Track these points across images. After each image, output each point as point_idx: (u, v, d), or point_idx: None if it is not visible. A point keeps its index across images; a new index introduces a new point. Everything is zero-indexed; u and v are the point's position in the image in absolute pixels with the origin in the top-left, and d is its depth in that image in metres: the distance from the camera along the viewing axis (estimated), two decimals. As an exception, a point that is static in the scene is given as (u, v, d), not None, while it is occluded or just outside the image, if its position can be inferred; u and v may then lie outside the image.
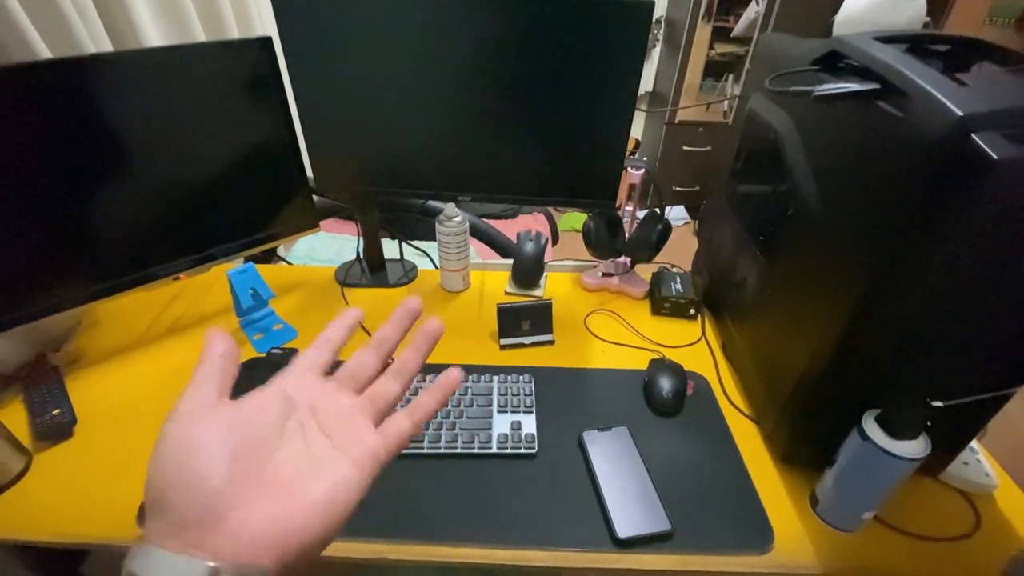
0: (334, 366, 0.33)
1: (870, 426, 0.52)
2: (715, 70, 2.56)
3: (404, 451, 0.31)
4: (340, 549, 0.55)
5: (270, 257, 1.25)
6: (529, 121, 0.81)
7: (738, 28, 2.39)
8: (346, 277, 1.01)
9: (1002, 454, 0.67)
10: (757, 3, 2.27)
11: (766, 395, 0.70)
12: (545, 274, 1.02)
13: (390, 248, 1.06)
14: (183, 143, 0.77)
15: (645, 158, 3.02)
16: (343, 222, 1.68)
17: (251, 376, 0.84)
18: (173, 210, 0.80)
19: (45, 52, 0.77)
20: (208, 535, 0.23)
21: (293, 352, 0.82)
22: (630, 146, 2.59)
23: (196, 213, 0.82)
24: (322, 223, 0.97)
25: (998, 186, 0.39)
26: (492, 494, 0.62)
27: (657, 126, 2.78)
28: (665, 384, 0.73)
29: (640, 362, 0.80)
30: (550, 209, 2.09)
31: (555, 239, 2.00)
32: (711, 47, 2.46)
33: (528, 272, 0.97)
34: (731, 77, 2.58)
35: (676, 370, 0.76)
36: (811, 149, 0.60)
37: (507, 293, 1.00)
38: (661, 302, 0.92)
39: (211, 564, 0.22)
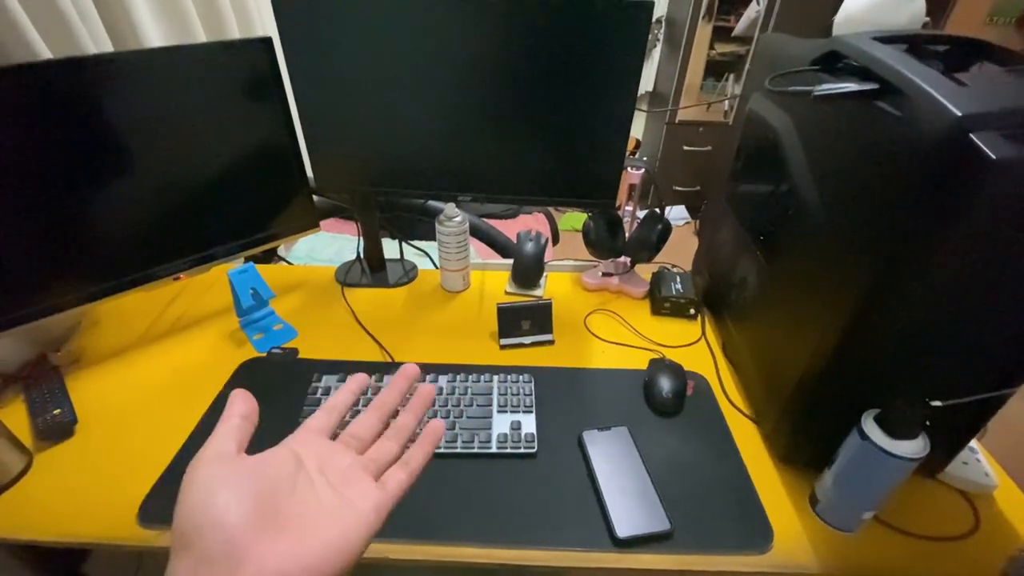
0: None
1: (869, 426, 0.52)
2: (716, 70, 2.56)
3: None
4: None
5: (270, 257, 1.25)
6: (529, 121, 0.81)
7: (739, 28, 2.39)
8: (346, 277, 1.01)
9: (1001, 454, 0.67)
10: (757, 3, 2.27)
11: (766, 395, 0.70)
12: (545, 274, 1.02)
13: (390, 248, 1.06)
14: (183, 143, 0.77)
15: (645, 158, 3.02)
16: (343, 222, 1.68)
17: (252, 376, 0.84)
18: (173, 210, 0.80)
19: (45, 52, 0.77)
20: (233, 571, 0.24)
21: (293, 352, 0.83)
22: (630, 146, 2.59)
23: (196, 213, 0.82)
24: (322, 223, 0.97)
25: (997, 186, 0.39)
26: (492, 494, 0.62)
27: (658, 126, 2.78)
28: (665, 384, 0.74)
29: (640, 362, 0.80)
30: (550, 209, 2.09)
31: (555, 239, 2.00)
32: (712, 47, 2.46)
33: (528, 272, 0.98)
34: (732, 77, 2.58)
35: (676, 370, 0.76)
36: (811, 149, 0.60)
37: (507, 293, 1.00)
38: (661, 302, 0.92)
39: None
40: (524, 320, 0.85)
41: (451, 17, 0.73)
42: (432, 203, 1.31)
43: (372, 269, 1.04)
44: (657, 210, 0.93)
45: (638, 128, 3.11)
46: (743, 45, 2.46)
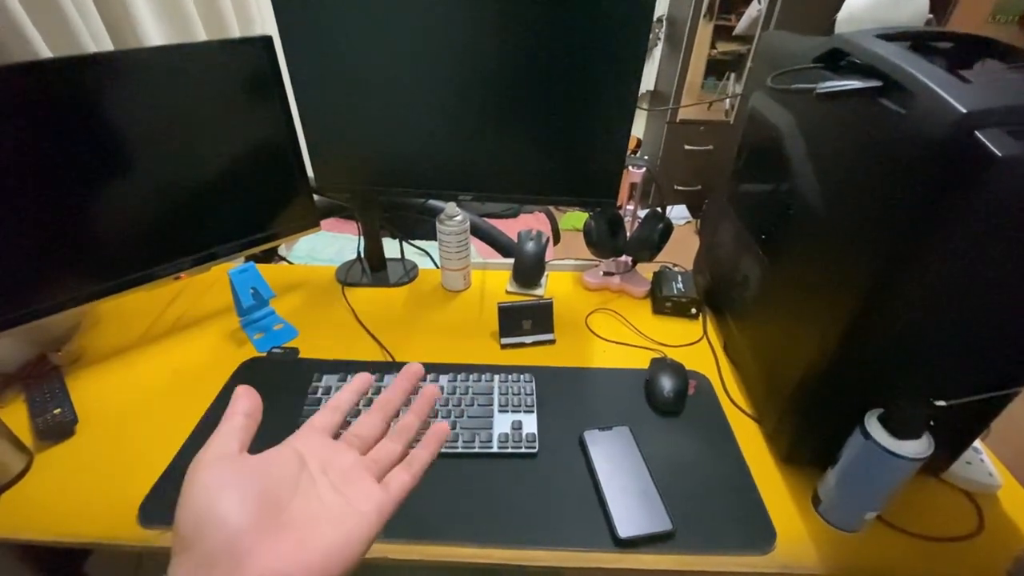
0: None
1: (873, 425, 0.52)
2: (717, 69, 2.55)
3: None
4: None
5: (271, 257, 1.25)
6: (530, 120, 0.81)
7: (740, 27, 2.38)
8: (347, 276, 1.01)
9: (1005, 454, 0.67)
10: (759, 1, 2.26)
11: (768, 394, 0.70)
12: (546, 273, 1.02)
13: (391, 247, 1.06)
14: (183, 142, 0.77)
15: (646, 157, 3.01)
16: (344, 221, 1.68)
17: (252, 376, 0.84)
18: (174, 209, 0.80)
19: (45, 51, 0.77)
20: (234, 572, 0.24)
21: (294, 351, 0.83)
22: (631, 145, 2.59)
23: (197, 212, 0.82)
24: (323, 223, 0.97)
25: (1002, 183, 0.39)
26: (493, 494, 0.62)
27: (658, 125, 2.77)
28: (666, 383, 0.73)
29: (641, 361, 0.80)
30: (551, 208, 2.09)
31: (556, 238, 2.00)
32: (713, 46, 2.46)
33: (529, 271, 0.97)
34: (733, 76, 2.57)
35: (677, 369, 0.76)
36: (813, 147, 0.60)
37: (508, 292, 0.99)
38: (662, 301, 0.92)
39: None
40: (525, 319, 0.85)
41: (452, 15, 0.73)
42: (433, 202, 1.31)
43: (373, 268, 1.04)
44: (658, 209, 0.93)
45: (639, 127, 3.11)
46: (744, 44, 2.46)
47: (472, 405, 0.72)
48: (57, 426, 0.68)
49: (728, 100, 2.60)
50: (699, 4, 2.31)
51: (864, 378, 0.54)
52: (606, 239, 0.93)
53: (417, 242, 1.15)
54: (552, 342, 0.86)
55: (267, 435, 0.33)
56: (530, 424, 0.69)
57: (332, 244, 1.49)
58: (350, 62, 0.78)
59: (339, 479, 0.31)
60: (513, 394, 0.73)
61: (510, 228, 1.66)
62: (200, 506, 0.26)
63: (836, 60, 0.57)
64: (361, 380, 0.37)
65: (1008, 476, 0.65)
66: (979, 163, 0.38)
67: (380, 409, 0.36)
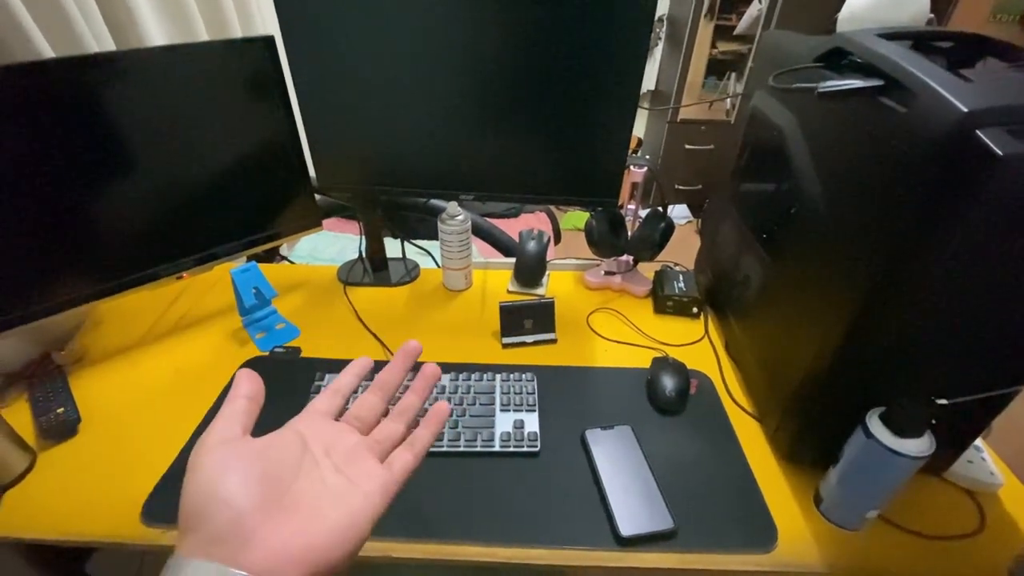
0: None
1: (874, 424, 0.52)
2: (717, 68, 2.55)
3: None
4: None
5: (272, 256, 1.26)
6: (531, 120, 0.81)
7: (740, 26, 2.38)
8: (348, 276, 1.01)
9: (1007, 452, 0.67)
10: (759, 1, 2.26)
11: (770, 393, 0.70)
12: (547, 273, 1.02)
13: (392, 247, 1.06)
14: (186, 142, 0.77)
15: (647, 156, 3.02)
16: (345, 221, 1.68)
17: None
18: (176, 209, 0.80)
19: (48, 51, 0.77)
20: (240, 551, 0.24)
21: (296, 351, 0.83)
22: (632, 144, 2.59)
23: (199, 212, 0.82)
24: (324, 222, 0.97)
25: (1003, 182, 0.39)
26: (495, 492, 0.62)
27: (659, 125, 2.77)
28: (668, 382, 0.73)
29: (643, 360, 0.80)
30: (552, 208, 2.09)
31: (557, 238, 2.00)
32: (713, 45, 2.45)
33: (530, 271, 0.97)
34: (733, 75, 2.57)
35: (679, 368, 0.76)
36: (814, 146, 0.60)
37: (509, 292, 0.99)
38: (664, 300, 0.92)
39: (248, 575, 0.24)
40: (526, 319, 0.85)
41: (453, 14, 0.73)
42: (434, 202, 1.31)
43: (374, 268, 1.04)
44: (659, 208, 0.93)
45: (640, 127, 3.11)
46: (745, 44, 2.45)
47: (474, 404, 0.72)
48: (60, 425, 0.68)
49: (729, 100, 2.60)
50: (700, 4, 2.31)
51: (865, 377, 0.54)
52: (607, 238, 0.93)
53: (418, 242, 1.15)
54: (553, 341, 0.86)
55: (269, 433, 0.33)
56: (532, 423, 0.69)
57: (334, 244, 1.50)
58: (352, 62, 0.78)
59: (342, 460, 0.31)
60: (515, 393, 0.73)
61: (511, 228, 1.67)
62: (204, 488, 0.26)
63: (837, 59, 0.57)
64: (360, 364, 0.37)
65: (1009, 475, 0.65)
66: (980, 162, 0.38)
67: (379, 389, 0.36)
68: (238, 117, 0.79)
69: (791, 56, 0.66)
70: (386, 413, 0.36)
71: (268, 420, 0.32)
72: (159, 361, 0.82)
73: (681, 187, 2.84)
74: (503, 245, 1.58)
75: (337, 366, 0.77)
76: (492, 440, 0.67)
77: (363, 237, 1.01)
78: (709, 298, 0.94)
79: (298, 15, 0.74)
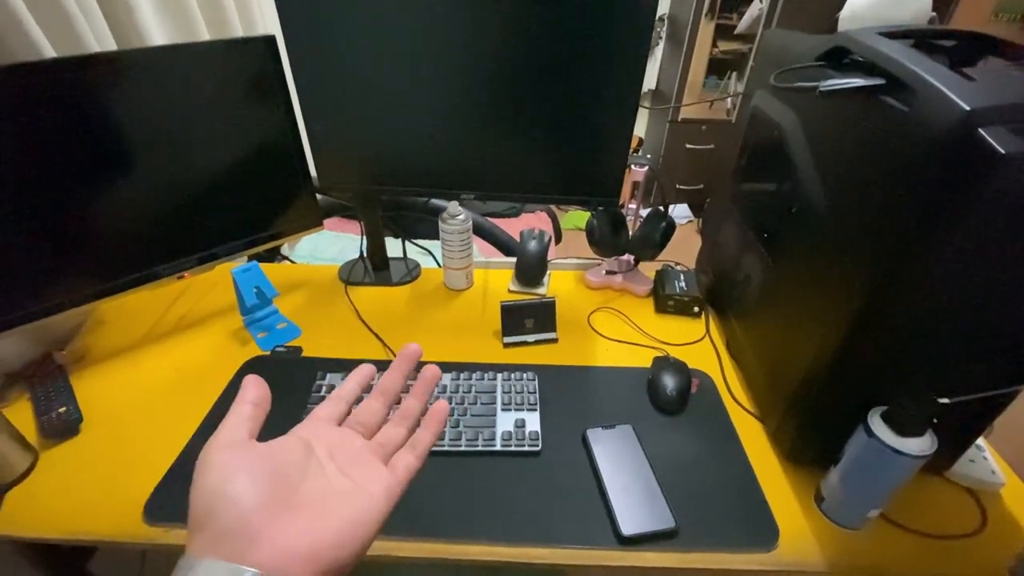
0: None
1: (876, 423, 0.52)
2: (718, 68, 2.55)
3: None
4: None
5: (274, 256, 1.26)
6: (532, 119, 0.81)
7: (741, 25, 2.38)
8: (349, 276, 1.01)
9: (1009, 452, 0.66)
10: (760, 0, 2.26)
11: (771, 392, 0.70)
12: (548, 272, 1.02)
13: (393, 247, 1.06)
14: (187, 142, 0.77)
15: (648, 156, 3.02)
16: (346, 221, 1.68)
17: (256, 374, 0.84)
18: (177, 209, 0.80)
19: (49, 51, 0.77)
20: (248, 548, 0.25)
21: (297, 350, 0.83)
22: (633, 144, 2.59)
23: (200, 212, 0.82)
24: (325, 222, 0.97)
25: (1005, 181, 0.39)
26: (496, 491, 0.62)
27: (660, 124, 2.77)
28: (669, 382, 0.73)
29: (644, 360, 0.80)
30: (553, 207, 2.09)
31: (558, 237, 2.00)
32: (714, 45, 2.45)
33: (531, 270, 0.97)
34: (734, 75, 2.57)
35: (680, 368, 0.76)
36: (816, 145, 0.60)
37: (510, 291, 0.99)
38: (665, 300, 0.92)
39: (258, 572, 0.24)
40: (528, 318, 0.85)
41: (454, 14, 0.73)
42: (435, 201, 1.31)
43: (375, 268, 1.04)
44: (660, 208, 0.93)
45: (641, 126, 3.11)
46: (746, 43, 2.45)
47: (475, 404, 0.72)
48: (62, 424, 0.68)
49: (730, 99, 2.59)
50: (700, 3, 2.31)
51: (867, 376, 0.54)
52: (608, 238, 0.93)
53: (419, 241, 1.15)
54: (555, 341, 0.86)
55: (271, 434, 0.33)
56: (533, 422, 0.69)
57: (335, 243, 1.50)
58: (352, 61, 0.78)
59: (347, 463, 0.31)
60: (516, 392, 0.73)
61: (512, 227, 1.67)
62: (212, 488, 0.26)
63: (839, 58, 0.57)
64: (363, 372, 0.38)
65: (1011, 474, 0.65)
66: (982, 161, 0.38)
67: (381, 394, 0.37)
68: (239, 117, 0.79)
69: (792, 55, 0.66)
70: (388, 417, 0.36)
71: (270, 419, 0.32)
72: (160, 360, 0.82)
73: (682, 187, 2.84)
74: (504, 244, 1.58)
75: (338, 365, 0.77)
76: (493, 439, 0.67)
77: (364, 237, 1.01)
78: (710, 297, 0.94)
79: (299, 14, 0.74)
